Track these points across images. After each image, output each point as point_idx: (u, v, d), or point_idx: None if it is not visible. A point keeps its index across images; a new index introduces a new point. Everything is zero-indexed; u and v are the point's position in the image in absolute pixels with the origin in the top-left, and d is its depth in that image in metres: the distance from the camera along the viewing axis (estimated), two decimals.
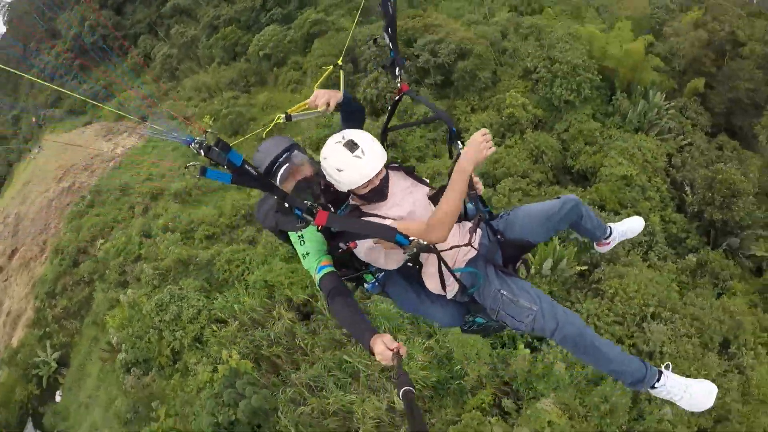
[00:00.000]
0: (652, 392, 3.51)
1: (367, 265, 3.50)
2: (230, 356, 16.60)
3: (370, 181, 3.19)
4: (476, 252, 3.47)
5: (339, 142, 3.17)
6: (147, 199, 30.64)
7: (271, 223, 3.46)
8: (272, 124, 3.60)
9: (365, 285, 3.68)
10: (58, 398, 25.94)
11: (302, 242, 3.36)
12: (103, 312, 24.87)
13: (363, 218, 3.23)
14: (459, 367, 15.82)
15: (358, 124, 3.63)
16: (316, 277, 3.27)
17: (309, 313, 18.46)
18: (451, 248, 3.34)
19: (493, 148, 3.22)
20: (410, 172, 3.62)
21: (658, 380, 3.47)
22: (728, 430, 15.32)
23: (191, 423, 17.00)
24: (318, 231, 3.09)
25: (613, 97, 28.93)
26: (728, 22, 33.35)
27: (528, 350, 16.06)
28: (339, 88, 3.65)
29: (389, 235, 2.87)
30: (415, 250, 2.99)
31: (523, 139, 25.66)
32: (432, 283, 3.48)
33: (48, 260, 31.47)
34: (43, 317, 28.38)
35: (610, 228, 4.32)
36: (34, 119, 56.58)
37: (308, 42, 37.41)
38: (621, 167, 24.19)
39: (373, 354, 2.85)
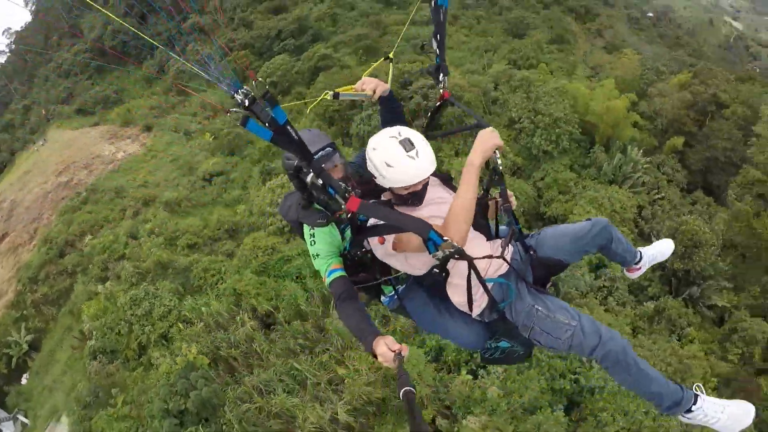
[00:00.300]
0: (688, 416, 3.40)
1: (389, 272, 3.40)
2: (189, 350, 17.82)
3: (413, 185, 3.07)
4: (508, 267, 3.28)
5: (394, 137, 3.01)
6: (139, 204, 32.08)
7: (293, 216, 3.36)
8: (319, 99, 3.65)
9: (382, 298, 3.59)
10: (24, 380, 26.90)
11: (313, 242, 3.26)
12: (81, 303, 26.05)
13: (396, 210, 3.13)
14: None
15: (399, 122, 3.40)
16: (327, 280, 3.16)
17: (271, 323, 19.78)
18: (483, 258, 3.18)
19: (501, 142, 3.19)
20: (447, 181, 3.48)
21: (694, 403, 3.36)
22: None
23: (145, 410, 18.15)
24: (334, 229, 3.20)
25: (591, 150, 30.54)
26: (714, 86, 35.37)
27: (470, 376, 17.20)
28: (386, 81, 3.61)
29: (424, 229, 2.76)
30: (447, 252, 2.84)
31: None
32: (458, 296, 3.26)
33: (36, 248, 32.75)
34: (22, 300, 29.53)
35: (641, 253, 4.18)
36: (44, 112, 58.21)
37: (314, 75, 39.43)
38: (588, 215, 25.05)
39: (375, 356, 2.76)
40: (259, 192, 24.78)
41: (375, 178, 3.06)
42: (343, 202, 2.77)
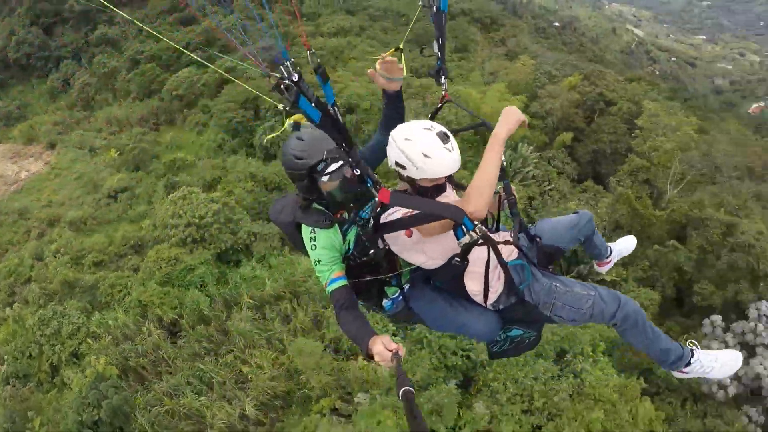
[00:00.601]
0: (687, 369, 3.68)
1: (395, 270, 3.39)
2: (98, 362, 18.51)
3: (440, 177, 3.16)
4: (518, 253, 3.43)
5: (429, 129, 3.07)
6: (44, 225, 31.61)
7: (286, 218, 3.37)
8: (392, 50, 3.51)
9: (384, 302, 3.53)
10: None
11: (314, 246, 3.20)
12: None
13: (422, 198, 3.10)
14: (304, 377, 18.21)
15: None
16: (328, 288, 3.14)
17: (177, 331, 20.72)
18: (502, 242, 3.28)
19: (524, 117, 3.25)
20: (450, 177, 3.42)
21: (692, 357, 3.64)
22: (559, 426, 17.51)
23: (61, 427, 18.61)
24: (337, 231, 3.21)
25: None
26: (604, 85, 39.02)
27: (365, 361, 18.72)
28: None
29: (458, 215, 2.83)
30: (476, 236, 2.90)
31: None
32: (475, 285, 3.33)
33: None
34: None
35: (610, 248, 4.45)
36: None
37: (220, 87, 39.92)
38: None
39: (372, 357, 2.76)
40: (162, 205, 25.31)
41: (404, 169, 3.06)
42: (376, 193, 2.82)
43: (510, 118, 3.15)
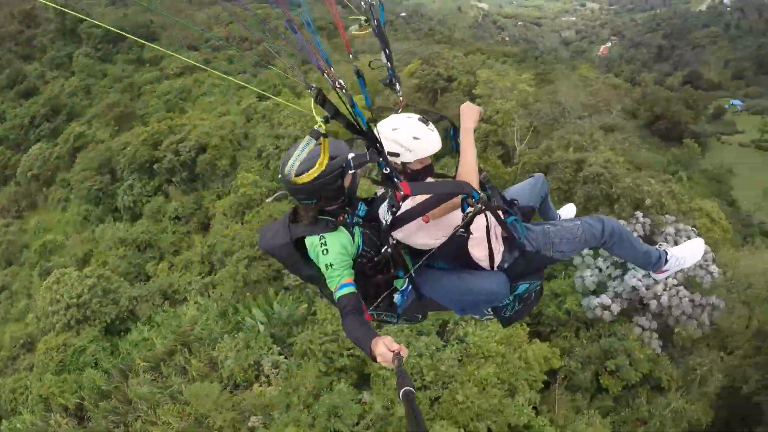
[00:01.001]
0: (666, 267, 4.17)
1: (401, 260, 3.52)
2: None
3: (428, 157, 3.44)
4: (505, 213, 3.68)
5: (410, 117, 3.45)
6: None
7: (282, 240, 3.39)
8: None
9: (395, 297, 3.60)
10: None
11: (325, 251, 3.24)
12: None
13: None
14: (209, 419, 18.89)
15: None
16: (337, 293, 3.19)
17: (84, 414, 20.97)
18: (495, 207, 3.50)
19: (480, 108, 3.71)
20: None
21: (667, 256, 4.14)
22: (454, 391, 18.63)
23: None
24: (344, 232, 3.27)
25: None
26: (443, 65, 41.34)
27: (261, 387, 20.08)
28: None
29: (468, 187, 3.15)
30: (481, 206, 3.20)
31: (259, 212, 29.19)
32: (480, 251, 3.53)
33: None
34: None
35: (558, 213, 4.84)
36: None
37: (74, 156, 39.27)
38: None
39: (375, 359, 2.82)
40: (39, 295, 25.44)
41: (397, 156, 3.31)
42: (399, 187, 3.00)
43: (471, 112, 3.64)
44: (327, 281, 3.20)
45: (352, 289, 3.14)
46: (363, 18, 3.40)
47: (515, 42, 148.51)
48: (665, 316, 22.39)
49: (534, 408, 19.72)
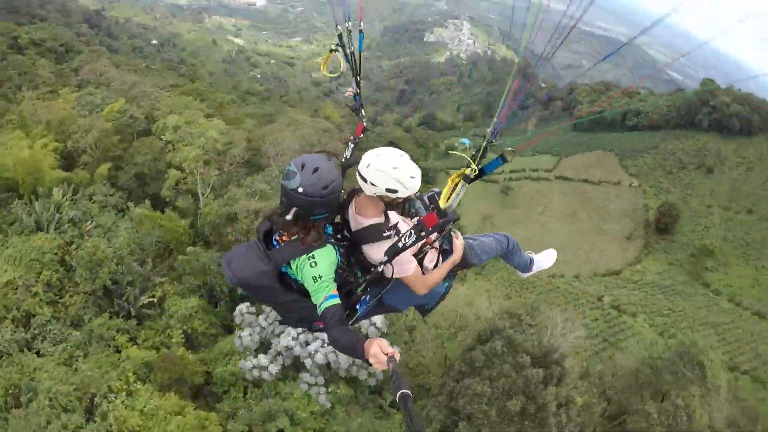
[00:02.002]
0: (533, 269, 5.05)
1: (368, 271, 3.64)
2: None
3: None
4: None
5: (402, 155, 3.54)
6: None
7: (263, 267, 3.37)
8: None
9: (358, 306, 3.73)
10: None
11: (314, 264, 3.32)
12: None
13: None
14: None
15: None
16: (324, 303, 3.21)
17: None
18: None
19: (462, 242, 4.16)
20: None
21: (533, 260, 5.05)
22: None
23: None
24: (333, 247, 3.49)
25: (10, 207, 29.85)
26: (149, 106, 38.63)
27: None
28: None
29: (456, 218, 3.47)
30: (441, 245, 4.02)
31: None
32: (429, 261, 4.01)
33: None
34: None
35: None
36: None
37: None
38: (6, 274, 25.06)
39: (367, 360, 2.83)
40: None
41: (395, 192, 3.45)
42: (423, 216, 3.53)
43: (458, 253, 4.12)
44: (313, 293, 3.27)
45: (337, 300, 3.25)
46: (334, 44, 4.10)
47: (266, 80, 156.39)
48: (333, 369, 21.63)
49: None
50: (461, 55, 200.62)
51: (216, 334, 24.61)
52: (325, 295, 3.24)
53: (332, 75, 4.35)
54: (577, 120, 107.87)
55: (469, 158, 3.27)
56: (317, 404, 20.60)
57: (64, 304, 25.86)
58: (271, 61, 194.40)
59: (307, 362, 20.81)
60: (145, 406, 19.76)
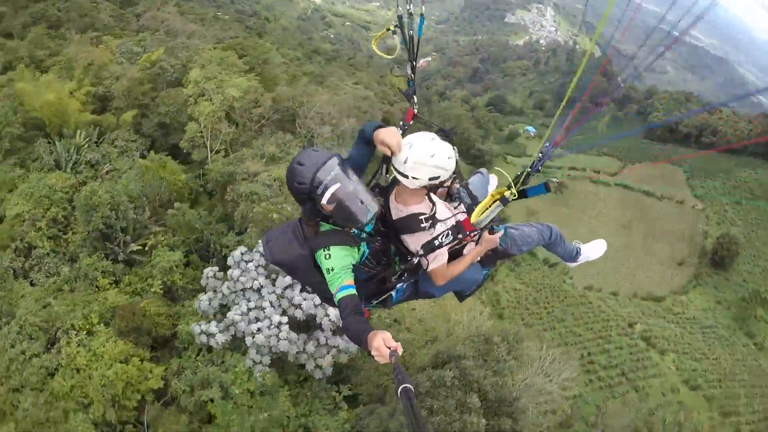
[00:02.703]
0: (579, 259, 5.12)
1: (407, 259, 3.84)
2: None
3: None
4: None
5: (434, 138, 3.60)
6: None
7: (299, 251, 3.65)
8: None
9: (392, 294, 4.00)
10: None
11: (328, 256, 3.49)
12: None
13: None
14: None
15: (362, 167, 3.87)
16: (338, 294, 3.38)
17: None
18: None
19: (496, 243, 4.20)
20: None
21: (581, 250, 5.12)
22: None
23: None
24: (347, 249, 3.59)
25: (34, 145, 31.90)
26: (185, 57, 39.20)
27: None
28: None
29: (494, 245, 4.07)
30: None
31: None
32: (469, 249, 4.12)
33: None
34: None
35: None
36: None
37: None
38: (16, 207, 27.36)
39: (370, 352, 2.88)
40: None
41: (437, 178, 3.57)
42: (462, 222, 3.65)
43: (489, 245, 4.14)
44: (328, 283, 3.45)
45: (352, 291, 3.39)
46: (393, 25, 3.95)
47: (339, 40, 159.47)
48: (274, 353, 21.29)
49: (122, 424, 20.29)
50: (541, 41, 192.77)
51: (196, 290, 25.03)
52: (338, 285, 3.40)
53: (388, 56, 4.38)
54: (649, 125, 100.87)
55: (511, 180, 3.30)
56: (254, 383, 20.66)
57: (66, 241, 27.49)
58: (347, 23, 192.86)
59: (248, 340, 20.76)
60: (97, 349, 20.90)
